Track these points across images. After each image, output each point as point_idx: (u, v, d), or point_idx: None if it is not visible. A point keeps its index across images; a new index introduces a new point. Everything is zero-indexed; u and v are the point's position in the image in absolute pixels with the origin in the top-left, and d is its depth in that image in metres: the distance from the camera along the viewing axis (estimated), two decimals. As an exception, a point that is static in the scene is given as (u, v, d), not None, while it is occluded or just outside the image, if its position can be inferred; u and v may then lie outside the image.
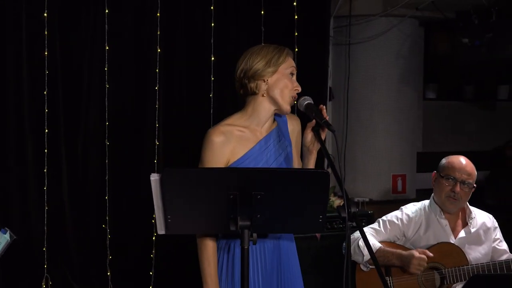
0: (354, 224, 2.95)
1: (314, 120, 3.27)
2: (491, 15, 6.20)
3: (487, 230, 4.45)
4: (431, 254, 4.24)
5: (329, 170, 3.16)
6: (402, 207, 4.56)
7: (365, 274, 4.36)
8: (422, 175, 7.55)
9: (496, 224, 4.50)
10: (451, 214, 4.42)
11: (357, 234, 4.39)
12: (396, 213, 4.51)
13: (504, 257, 4.40)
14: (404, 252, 4.26)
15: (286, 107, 3.40)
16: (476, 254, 4.37)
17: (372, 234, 4.42)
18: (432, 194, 4.49)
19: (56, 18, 5.60)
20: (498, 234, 4.50)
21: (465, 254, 4.30)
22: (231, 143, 3.37)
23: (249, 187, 2.85)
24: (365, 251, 4.29)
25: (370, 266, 4.34)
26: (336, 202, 5.86)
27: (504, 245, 4.48)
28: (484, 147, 8.20)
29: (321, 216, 2.97)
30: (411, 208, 4.51)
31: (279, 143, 3.47)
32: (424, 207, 4.48)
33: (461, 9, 6.82)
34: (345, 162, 6.93)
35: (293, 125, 3.54)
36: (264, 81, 3.38)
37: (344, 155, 6.93)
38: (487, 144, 8.29)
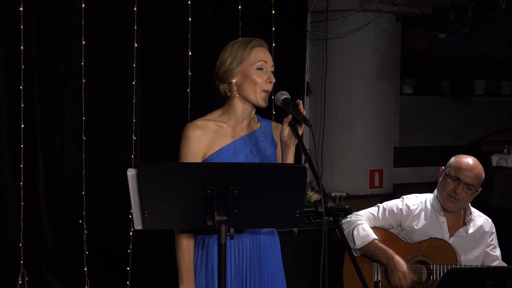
0: (331, 218, 2.96)
1: (290, 115, 3.27)
2: (468, 11, 6.22)
3: (483, 233, 4.42)
4: (410, 278, 4.25)
5: (306, 165, 3.16)
6: (404, 196, 4.54)
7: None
8: (399, 170, 7.59)
9: (494, 230, 4.47)
10: (451, 213, 4.40)
11: (354, 218, 4.41)
12: (397, 202, 4.49)
13: (495, 263, 4.38)
14: (395, 257, 4.24)
15: (261, 102, 3.41)
16: (468, 255, 4.36)
17: (369, 219, 4.42)
18: (436, 189, 4.48)
19: (32, 13, 5.57)
20: (494, 239, 4.46)
21: (456, 254, 4.29)
22: (208, 137, 3.40)
23: (226, 182, 2.85)
24: (358, 240, 4.30)
25: (359, 253, 4.36)
26: (313, 197, 5.87)
27: (497, 252, 4.45)
28: (460, 142, 8.25)
29: (298, 211, 2.97)
30: (412, 200, 4.49)
31: (259, 144, 3.48)
32: (426, 201, 4.46)
33: (437, 5, 6.85)
34: (322, 157, 6.94)
35: (278, 135, 3.47)
36: (232, 83, 3.42)
37: (321, 149, 6.94)
38: (464, 139, 8.33)
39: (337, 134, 7.01)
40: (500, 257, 4.45)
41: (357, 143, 7.01)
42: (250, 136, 3.48)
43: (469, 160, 4.35)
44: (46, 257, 5.75)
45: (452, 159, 4.39)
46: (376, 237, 4.32)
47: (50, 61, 5.70)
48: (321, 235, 2.95)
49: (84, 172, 5.79)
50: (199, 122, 3.43)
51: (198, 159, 3.39)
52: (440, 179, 4.41)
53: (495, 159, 7.11)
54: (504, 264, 4.39)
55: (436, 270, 4.27)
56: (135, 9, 5.86)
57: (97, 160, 5.86)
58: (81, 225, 5.80)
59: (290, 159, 3.35)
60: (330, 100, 6.98)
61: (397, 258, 4.24)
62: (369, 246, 4.29)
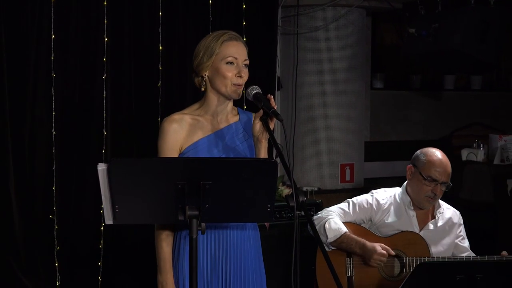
0: (302, 213, 2.96)
1: (262, 110, 3.27)
2: (437, 6, 6.26)
3: (452, 225, 4.47)
4: (392, 252, 4.26)
5: (278, 159, 3.17)
6: (373, 191, 4.56)
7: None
8: (369, 164, 7.62)
9: (462, 221, 4.51)
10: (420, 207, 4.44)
11: (325, 213, 4.43)
12: (367, 197, 4.51)
13: (465, 254, 4.42)
14: (367, 244, 4.27)
15: (233, 95, 3.42)
16: (438, 248, 4.39)
17: (340, 215, 4.43)
18: (405, 183, 4.48)
19: (0, 7, 5.52)
20: (462, 231, 4.50)
21: (428, 246, 4.33)
22: (184, 130, 3.42)
23: (197, 177, 2.85)
24: (330, 234, 4.32)
25: (332, 248, 4.37)
26: (285, 191, 5.88)
27: (466, 243, 4.50)
28: (430, 136, 8.29)
29: (269, 205, 2.98)
30: (382, 195, 4.51)
31: (236, 137, 3.49)
32: (395, 195, 4.48)
33: (407, 0, 6.88)
34: (294, 151, 6.96)
35: None
36: (203, 77, 3.44)
37: (293, 144, 6.95)
38: (434, 133, 8.38)
39: (308, 128, 7.02)
40: (469, 248, 4.50)
41: (328, 138, 7.02)
42: (227, 129, 3.48)
43: (439, 155, 4.38)
44: (17, 253, 5.71)
45: (422, 158, 4.39)
46: (347, 230, 4.34)
47: (19, 55, 5.66)
48: (293, 229, 2.95)
49: (54, 167, 5.76)
50: (176, 116, 3.46)
51: (175, 153, 3.41)
52: (411, 177, 4.43)
53: (464, 154, 7.15)
54: (473, 255, 4.43)
55: (409, 263, 4.29)
56: (105, 3, 5.83)
57: (67, 155, 5.82)
58: (52, 220, 5.77)
59: (262, 154, 3.35)
60: (301, 95, 6.99)
61: (369, 244, 4.27)
62: (342, 239, 4.31)
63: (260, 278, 3.60)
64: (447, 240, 4.44)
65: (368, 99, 7.77)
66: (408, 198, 4.41)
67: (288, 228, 5.61)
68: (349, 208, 4.47)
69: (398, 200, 4.45)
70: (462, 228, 4.52)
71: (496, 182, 6.77)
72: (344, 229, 4.33)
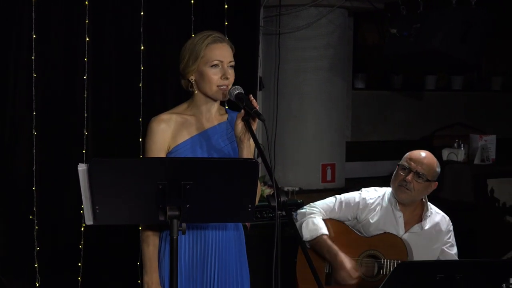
0: (283, 213, 2.97)
1: (243, 110, 3.29)
2: (419, 6, 6.28)
3: (439, 231, 4.44)
4: (356, 275, 4.27)
5: (259, 159, 3.17)
6: (363, 189, 4.57)
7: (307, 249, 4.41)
8: (351, 164, 7.63)
9: (451, 228, 4.49)
10: (406, 207, 4.41)
11: (309, 209, 4.44)
12: (355, 195, 4.52)
13: None
14: (339, 256, 4.27)
15: (219, 97, 3.47)
16: (422, 252, 4.36)
17: (325, 211, 4.44)
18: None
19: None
20: (451, 238, 4.48)
21: (407, 251, 4.31)
22: (172, 130, 3.46)
23: (178, 177, 2.85)
24: (306, 233, 4.34)
25: (309, 246, 4.39)
26: (266, 191, 5.88)
27: (454, 250, 4.46)
28: (411, 137, 8.32)
29: (250, 206, 2.99)
30: (371, 194, 4.52)
31: (225, 136, 3.51)
32: (384, 195, 4.49)
33: (389, 0, 6.90)
34: (275, 151, 6.96)
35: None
36: (190, 80, 3.48)
37: (274, 144, 6.95)
38: (415, 133, 8.40)
39: (290, 128, 7.02)
40: (456, 256, 4.46)
41: (310, 138, 7.03)
42: (212, 130, 3.52)
43: (421, 152, 4.40)
44: (-4, 253, 5.69)
45: (406, 153, 4.43)
46: (326, 233, 4.35)
47: (0, 55, 5.63)
48: (274, 229, 2.95)
49: (34, 167, 5.73)
50: (164, 115, 3.50)
51: (163, 153, 3.45)
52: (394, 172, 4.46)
53: (445, 153, 7.19)
54: None
55: (387, 265, 4.30)
56: (86, 2, 5.80)
57: (48, 155, 5.79)
58: (32, 221, 5.74)
59: (245, 154, 3.36)
60: (283, 95, 6.99)
61: (341, 257, 4.27)
62: (317, 241, 4.32)
63: (242, 278, 3.61)
64: (432, 245, 4.42)
65: (350, 99, 7.78)
66: (395, 198, 4.42)
67: (267, 228, 5.63)
68: (335, 205, 4.48)
69: (386, 200, 4.45)
70: (451, 234, 4.48)
71: (476, 182, 6.81)
72: (321, 231, 4.34)
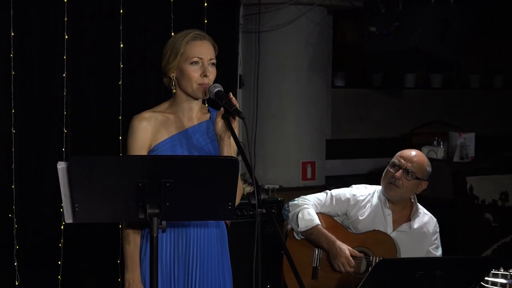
0: (264, 211, 2.97)
1: (223, 108, 3.29)
2: (398, 4, 6.30)
3: (427, 231, 4.48)
4: (358, 254, 4.30)
5: (239, 157, 3.17)
6: (354, 186, 4.61)
7: (295, 241, 4.44)
8: (331, 162, 7.64)
9: (438, 229, 4.53)
10: (396, 206, 4.45)
11: (301, 201, 4.46)
12: (346, 191, 4.55)
13: None
14: (336, 243, 4.31)
15: (199, 95, 3.48)
16: (409, 251, 4.39)
17: (316, 204, 4.46)
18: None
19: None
20: (437, 239, 4.52)
21: (396, 248, 4.35)
22: (154, 128, 3.47)
23: (158, 175, 2.85)
24: (301, 223, 4.36)
25: (302, 237, 4.40)
26: (246, 189, 5.88)
27: (438, 252, 4.50)
28: (391, 134, 8.34)
29: (230, 204, 2.99)
30: (362, 191, 4.55)
31: (207, 135, 3.52)
32: (374, 193, 4.52)
33: (368, -2, 6.92)
34: (255, 149, 6.96)
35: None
36: (171, 78, 3.49)
37: (254, 142, 6.95)
38: (394, 131, 8.43)
39: (270, 126, 7.02)
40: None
41: (290, 136, 7.04)
42: (192, 129, 3.53)
43: (412, 151, 4.47)
44: (-25, 253, 5.66)
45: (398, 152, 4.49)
46: (320, 223, 4.38)
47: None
48: (254, 227, 2.96)
49: (14, 165, 5.70)
50: (146, 113, 3.51)
51: (144, 151, 3.45)
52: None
53: (425, 151, 7.19)
54: None
55: (375, 262, 4.31)
56: (65, 0, 5.78)
57: (27, 154, 5.77)
58: (11, 219, 5.71)
59: (225, 152, 3.37)
60: (262, 93, 6.99)
61: (339, 244, 4.31)
62: (313, 231, 4.36)
63: (224, 275, 3.61)
64: (419, 245, 4.45)
65: (329, 97, 7.80)
66: (384, 196, 4.45)
67: (247, 226, 5.64)
68: (325, 199, 4.51)
69: (376, 198, 4.48)
70: (437, 236, 4.53)
71: (455, 179, 6.83)
72: (316, 221, 4.37)
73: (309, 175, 7.12)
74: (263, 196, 2.97)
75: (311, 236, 4.38)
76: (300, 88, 7.02)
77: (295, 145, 7.06)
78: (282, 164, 7.05)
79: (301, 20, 6.96)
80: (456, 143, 7.15)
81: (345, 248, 4.29)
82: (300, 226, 4.37)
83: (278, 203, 5.93)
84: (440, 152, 7.17)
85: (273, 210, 5.79)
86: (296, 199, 4.56)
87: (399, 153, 4.46)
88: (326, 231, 4.36)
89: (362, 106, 8.34)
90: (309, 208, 4.43)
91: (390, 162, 4.44)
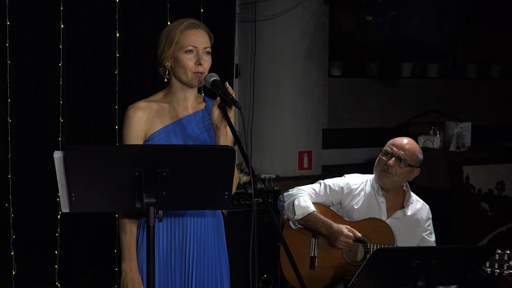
0: (260, 200, 2.98)
1: (219, 97, 3.29)
2: (394, -6, 6.29)
3: (420, 218, 4.51)
4: (359, 234, 4.32)
5: (236, 146, 3.17)
6: (347, 175, 4.63)
7: (292, 231, 4.46)
8: (327, 152, 7.64)
9: (430, 216, 4.57)
10: (389, 193, 4.49)
11: (296, 191, 4.48)
12: (339, 180, 4.57)
13: None
14: (334, 225, 4.33)
15: (194, 83, 3.46)
16: (403, 238, 4.43)
17: (311, 194, 4.48)
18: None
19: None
20: (430, 225, 4.56)
21: (393, 235, 4.37)
22: (149, 117, 3.45)
23: (154, 164, 2.85)
24: (298, 211, 4.38)
25: (299, 226, 4.42)
26: (243, 178, 5.89)
27: (432, 238, 4.54)
28: (387, 124, 8.34)
29: (227, 193, 2.99)
30: (354, 180, 4.58)
31: (202, 124, 3.51)
32: (367, 181, 4.55)
33: (365, -13, 6.90)
34: (252, 139, 6.96)
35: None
36: (166, 67, 3.48)
37: (251, 131, 6.95)
38: (391, 120, 8.42)
39: (266, 116, 7.02)
40: (434, 243, 4.53)
41: (286, 125, 7.03)
42: (187, 118, 3.51)
43: (405, 139, 4.50)
44: (-29, 242, 5.67)
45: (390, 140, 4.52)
46: (316, 210, 4.39)
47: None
48: (251, 216, 2.96)
49: (10, 155, 5.70)
50: (141, 103, 3.49)
51: (140, 140, 3.44)
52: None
53: (421, 141, 7.21)
54: None
55: (373, 249, 4.33)
56: (61, -11, 5.77)
57: (23, 143, 5.77)
58: (8, 209, 5.72)
59: (221, 141, 3.37)
60: (259, 82, 6.98)
61: (336, 225, 4.33)
62: (309, 217, 4.37)
63: (220, 265, 3.61)
64: (413, 232, 4.49)
65: (326, 87, 7.79)
66: (377, 184, 4.48)
67: (244, 216, 5.65)
68: (320, 189, 4.52)
69: (369, 187, 4.51)
70: (430, 222, 4.57)
71: (452, 169, 6.84)
72: (312, 208, 4.39)
73: (305, 165, 7.11)
74: (259, 186, 2.97)
75: (308, 223, 4.40)
76: (297, 77, 7.01)
77: (292, 135, 7.05)
78: (279, 153, 7.05)
79: (297, 9, 6.94)
80: (452, 132, 7.15)
81: (342, 226, 4.31)
82: (296, 213, 4.38)
83: (275, 193, 5.93)
84: (436, 142, 7.18)
85: (269, 200, 5.78)
86: (290, 190, 4.57)
87: (391, 141, 4.48)
88: (322, 216, 4.38)
89: (358, 95, 8.33)
90: (304, 196, 4.45)
91: (383, 150, 4.47)
